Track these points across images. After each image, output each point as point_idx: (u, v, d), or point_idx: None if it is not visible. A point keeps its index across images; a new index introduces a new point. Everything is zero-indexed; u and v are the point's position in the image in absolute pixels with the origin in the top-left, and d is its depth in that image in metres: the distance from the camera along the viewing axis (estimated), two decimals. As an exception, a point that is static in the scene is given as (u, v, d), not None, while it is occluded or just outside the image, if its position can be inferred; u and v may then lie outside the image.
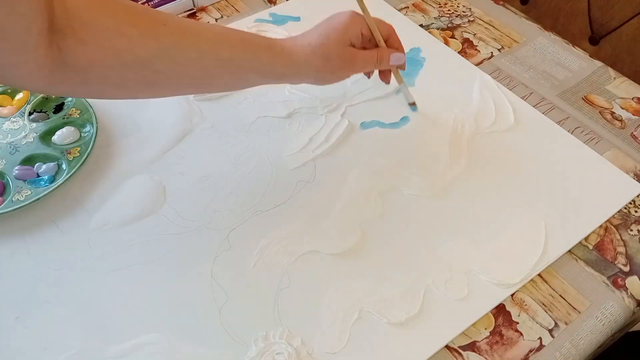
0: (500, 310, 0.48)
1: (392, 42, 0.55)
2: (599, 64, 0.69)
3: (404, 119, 0.62)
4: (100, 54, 0.42)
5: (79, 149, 0.57)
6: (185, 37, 0.45)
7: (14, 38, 0.37)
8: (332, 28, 0.51)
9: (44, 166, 0.56)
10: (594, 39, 0.90)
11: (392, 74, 0.59)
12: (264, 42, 0.49)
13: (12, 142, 0.58)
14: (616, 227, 0.54)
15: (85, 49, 0.41)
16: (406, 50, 0.69)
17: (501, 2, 0.79)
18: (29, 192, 0.53)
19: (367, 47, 0.54)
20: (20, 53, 0.38)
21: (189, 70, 0.46)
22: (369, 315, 0.46)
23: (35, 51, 0.39)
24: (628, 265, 0.51)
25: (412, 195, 0.55)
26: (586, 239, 0.52)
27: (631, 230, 0.53)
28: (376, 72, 0.59)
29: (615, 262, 0.51)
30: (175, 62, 0.45)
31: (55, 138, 0.58)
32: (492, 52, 0.71)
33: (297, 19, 0.74)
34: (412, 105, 0.62)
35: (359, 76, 0.66)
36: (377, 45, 0.55)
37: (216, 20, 0.76)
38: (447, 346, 0.45)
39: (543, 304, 0.48)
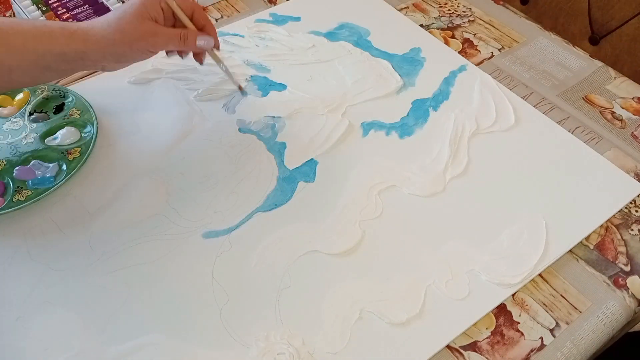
0: (501, 310, 0.48)
1: (197, 18, 0.54)
2: (599, 63, 0.69)
3: (405, 119, 0.62)
4: None
5: (79, 149, 0.57)
6: None
7: None
8: (130, 4, 0.50)
9: (45, 166, 0.56)
10: (594, 39, 0.90)
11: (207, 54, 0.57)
12: (58, 24, 0.48)
13: (13, 142, 0.58)
14: (617, 226, 0.54)
15: None
16: (406, 50, 0.70)
17: (501, 2, 0.79)
18: (30, 193, 0.53)
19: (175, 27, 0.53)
20: None
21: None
22: (370, 315, 0.46)
23: None
24: (629, 265, 0.51)
25: (413, 195, 0.55)
26: (587, 238, 0.52)
27: (632, 230, 0.53)
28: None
29: (616, 262, 0.51)
30: None
31: (55, 138, 0.58)
32: (492, 52, 0.71)
33: (298, 19, 0.74)
34: (240, 90, 0.60)
35: (359, 76, 0.66)
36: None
37: (216, 20, 0.76)
38: (448, 346, 0.45)
39: (544, 303, 0.48)
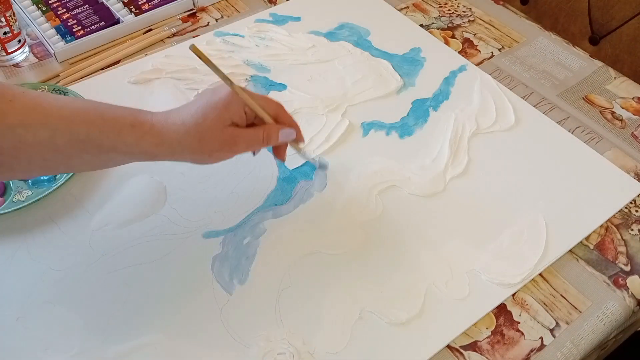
0: (501, 310, 0.48)
1: (281, 119, 0.49)
2: (599, 63, 0.70)
3: (405, 119, 0.62)
4: None
5: (79, 149, 0.57)
6: (34, 114, 0.40)
7: None
8: (210, 106, 0.44)
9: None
10: (594, 39, 0.90)
11: (286, 150, 0.52)
12: (129, 118, 0.43)
13: (13, 142, 0.58)
14: (617, 226, 0.54)
15: None
16: (406, 50, 0.70)
17: (501, 2, 0.79)
18: (30, 193, 0.53)
19: (255, 124, 0.48)
20: None
21: (39, 151, 0.41)
22: (370, 315, 0.46)
23: None
24: (629, 265, 0.51)
25: (413, 195, 0.55)
26: (587, 238, 0.52)
27: (632, 229, 0.53)
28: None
29: (616, 262, 0.51)
30: (23, 142, 0.40)
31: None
32: (492, 52, 0.71)
33: (298, 19, 0.74)
34: (321, 167, 0.57)
35: (359, 76, 0.66)
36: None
37: (216, 20, 0.76)
38: (448, 346, 0.45)
39: (544, 303, 0.48)
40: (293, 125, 0.49)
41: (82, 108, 0.42)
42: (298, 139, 0.50)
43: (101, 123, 0.42)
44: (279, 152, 0.51)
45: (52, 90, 0.63)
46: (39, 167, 0.43)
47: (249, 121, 0.47)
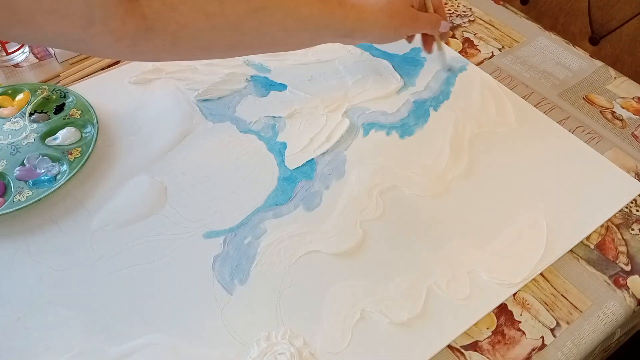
0: (502, 310, 0.48)
1: (440, 12, 0.62)
2: (599, 63, 0.70)
3: (405, 119, 0.62)
4: (191, 17, 0.43)
5: (80, 149, 0.57)
6: None
7: (74, 14, 0.38)
8: None
9: (51, 164, 0.56)
10: (594, 39, 0.90)
11: (434, 42, 0.65)
12: (336, 1, 0.52)
13: (13, 142, 0.58)
14: (617, 226, 0.54)
15: (174, 14, 0.43)
16: (407, 50, 0.70)
17: (501, 2, 0.79)
18: (30, 193, 0.53)
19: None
20: (86, 28, 0.39)
21: (272, 31, 0.49)
22: (371, 315, 0.46)
23: (106, 24, 0.40)
24: (629, 265, 0.51)
25: (414, 195, 0.55)
26: (587, 238, 0.52)
27: (632, 229, 0.53)
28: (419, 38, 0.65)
29: (617, 262, 0.51)
30: (262, 23, 0.48)
31: (56, 139, 0.58)
32: (492, 52, 0.71)
33: (298, 19, 0.74)
34: (450, 70, 0.67)
35: (360, 76, 0.66)
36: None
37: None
38: (449, 346, 0.45)
39: (545, 303, 0.48)
40: (445, 18, 0.62)
41: None
42: (447, 34, 0.66)
43: (319, 4, 0.51)
44: (428, 43, 0.65)
45: (52, 90, 0.63)
46: (266, 45, 0.52)
47: (420, 8, 0.60)
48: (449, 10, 0.77)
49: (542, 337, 0.46)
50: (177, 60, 0.55)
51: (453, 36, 0.73)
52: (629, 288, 0.49)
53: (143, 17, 0.41)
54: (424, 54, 0.68)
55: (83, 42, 0.41)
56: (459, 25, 0.75)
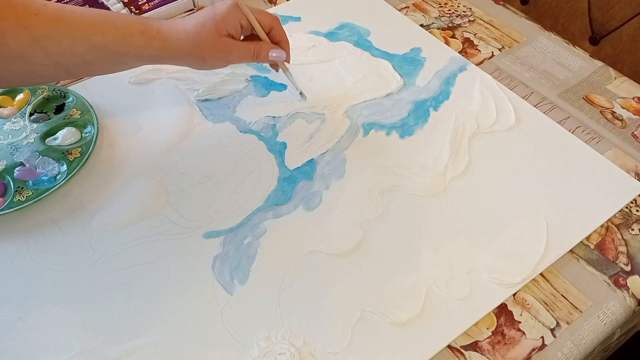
0: (502, 310, 0.48)
1: (274, 34, 0.55)
2: (599, 63, 0.70)
3: (405, 119, 0.62)
4: None
5: (79, 149, 0.57)
6: (57, 26, 0.46)
7: None
8: (209, 17, 0.51)
9: (51, 164, 0.56)
10: (594, 39, 0.90)
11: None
12: (137, 26, 0.49)
13: (13, 142, 0.58)
14: (617, 226, 0.54)
15: None
16: (407, 50, 0.70)
17: (501, 2, 0.79)
18: (30, 193, 0.53)
19: (252, 39, 0.55)
20: None
21: (63, 59, 0.47)
22: (370, 315, 0.46)
23: None
24: (629, 265, 0.51)
25: (414, 195, 0.55)
26: (587, 238, 0.52)
27: (632, 229, 0.53)
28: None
29: (617, 262, 0.51)
30: (49, 52, 0.46)
31: (56, 139, 0.58)
32: (492, 52, 0.71)
33: (298, 19, 0.74)
34: (301, 95, 0.62)
35: (360, 76, 0.66)
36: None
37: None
38: (449, 346, 0.45)
39: (545, 303, 0.48)
40: (285, 41, 0.56)
41: (98, 18, 0.48)
42: (287, 56, 0.56)
43: (115, 31, 0.48)
44: (273, 66, 0.60)
45: (52, 90, 0.63)
46: (64, 72, 0.49)
47: (245, 34, 0.54)
48: (449, 10, 0.77)
49: (542, 337, 0.46)
50: None
51: (453, 36, 0.73)
52: (629, 288, 0.49)
53: None
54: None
55: None
56: (459, 25, 0.75)
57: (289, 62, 0.58)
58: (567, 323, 0.47)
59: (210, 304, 0.47)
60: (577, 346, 0.46)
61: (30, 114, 0.61)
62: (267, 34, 0.55)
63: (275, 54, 0.55)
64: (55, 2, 0.53)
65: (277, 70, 0.61)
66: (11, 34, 0.44)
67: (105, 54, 0.49)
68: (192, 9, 0.77)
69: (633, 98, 0.65)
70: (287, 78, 0.61)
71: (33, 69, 0.46)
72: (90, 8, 0.50)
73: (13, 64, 0.45)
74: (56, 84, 0.65)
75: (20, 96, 0.62)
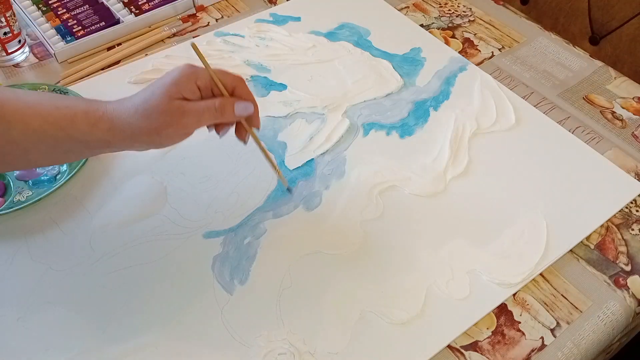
0: (502, 310, 0.48)
1: (239, 93, 0.46)
2: (599, 63, 0.70)
3: (405, 119, 0.62)
4: None
5: (79, 149, 0.57)
6: None
7: None
8: (158, 85, 0.43)
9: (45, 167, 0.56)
10: (594, 39, 0.90)
11: (251, 137, 0.50)
12: (82, 107, 0.43)
13: (13, 142, 0.58)
14: (617, 226, 0.54)
15: None
16: (407, 50, 0.70)
17: (501, 2, 0.79)
18: (30, 193, 0.53)
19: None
20: None
21: None
22: (370, 315, 0.46)
23: None
24: (629, 265, 0.51)
25: (414, 195, 0.55)
26: (587, 238, 0.52)
27: (632, 229, 0.53)
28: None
29: (617, 262, 0.51)
30: None
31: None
32: (492, 52, 0.71)
33: (298, 19, 0.74)
34: (289, 190, 0.55)
35: (360, 76, 0.66)
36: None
37: (216, 20, 0.76)
38: (449, 346, 0.45)
39: (545, 303, 0.48)
40: (251, 100, 0.47)
41: (37, 101, 0.43)
42: (255, 121, 0.48)
43: (55, 113, 0.42)
44: (239, 132, 0.49)
45: (52, 90, 0.63)
46: (5, 163, 0.44)
47: (206, 96, 0.45)
48: (449, 10, 0.77)
49: (542, 338, 0.46)
50: None
51: (453, 36, 0.73)
52: (629, 288, 0.49)
53: None
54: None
55: None
56: (459, 25, 0.75)
57: (258, 128, 0.49)
58: (567, 323, 0.47)
59: (210, 304, 0.47)
60: (577, 346, 0.46)
61: (30, 114, 0.61)
62: (231, 94, 0.46)
63: (241, 107, 0.46)
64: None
65: (244, 143, 0.49)
66: None
67: (43, 139, 0.42)
68: (192, 9, 0.77)
69: (633, 98, 0.65)
70: (261, 152, 0.51)
71: None
72: (33, 92, 0.44)
73: None
74: (56, 83, 0.65)
75: (20, 96, 0.62)
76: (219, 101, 0.45)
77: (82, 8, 0.76)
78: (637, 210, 0.55)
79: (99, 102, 0.44)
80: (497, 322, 0.47)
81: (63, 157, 0.47)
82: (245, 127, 0.48)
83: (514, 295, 0.48)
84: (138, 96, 0.44)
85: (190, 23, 0.75)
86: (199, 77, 0.44)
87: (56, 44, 0.70)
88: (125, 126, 0.43)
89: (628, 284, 0.50)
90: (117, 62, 0.70)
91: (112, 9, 0.75)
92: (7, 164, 0.45)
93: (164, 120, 0.43)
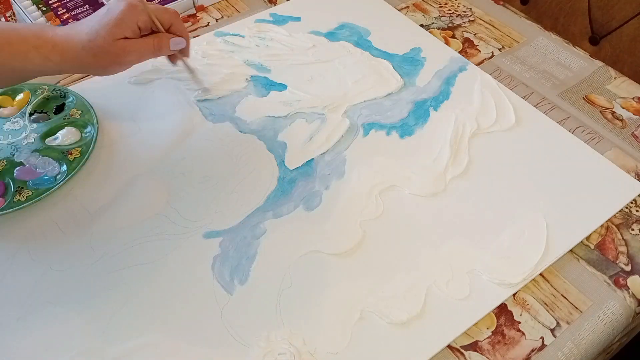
0: (502, 310, 0.48)
1: (175, 29, 0.54)
2: (599, 63, 0.70)
3: (405, 119, 0.62)
4: None
5: (79, 149, 0.57)
6: None
7: None
8: (103, 23, 0.49)
9: (51, 164, 0.56)
10: (594, 39, 0.90)
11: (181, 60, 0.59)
12: (33, 40, 0.48)
13: (13, 142, 0.58)
14: (617, 226, 0.54)
15: None
16: (407, 50, 0.70)
17: (501, 2, 0.79)
18: (30, 193, 0.53)
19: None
20: None
21: None
22: (370, 315, 0.46)
23: None
24: (629, 265, 0.51)
25: (414, 195, 0.55)
26: (587, 238, 0.52)
27: (632, 229, 0.53)
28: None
29: (617, 262, 0.51)
30: None
31: (56, 139, 0.58)
32: (492, 52, 0.71)
33: (298, 19, 0.74)
34: (204, 90, 0.62)
35: (360, 76, 0.66)
36: None
37: (216, 20, 0.76)
38: (449, 346, 0.45)
39: (545, 303, 0.48)
40: (185, 35, 0.55)
41: None
42: (186, 50, 0.56)
43: (8, 48, 0.47)
44: (172, 57, 0.57)
45: (52, 90, 0.63)
46: None
47: (145, 32, 0.52)
48: (449, 10, 0.77)
49: (542, 338, 0.46)
50: None
51: (453, 36, 0.73)
52: (629, 288, 0.49)
53: None
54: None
55: None
56: (459, 25, 0.75)
57: (187, 57, 0.58)
58: (567, 323, 0.47)
59: (210, 304, 0.47)
60: (577, 346, 0.46)
61: (30, 114, 0.61)
62: (167, 30, 0.54)
63: (175, 43, 0.54)
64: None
65: (174, 64, 0.59)
66: None
67: (3, 71, 0.48)
68: (192, 8, 0.77)
69: (633, 98, 0.65)
70: (188, 72, 0.61)
71: None
72: None
73: None
74: (56, 83, 0.65)
75: (20, 96, 0.62)
76: (157, 40, 0.52)
77: (82, 8, 0.76)
78: (637, 210, 0.55)
79: (47, 33, 0.49)
80: (497, 322, 0.47)
81: (21, 81, 0.53)
82: (178, 56, 0.57)
83: (514, 295, 0.48)
84: (84, 31, 0.49)
85: (190, 23, 0.75)
86: (140, 17, 0.51)
87: (56, 44, 0.70)
88: (75, 59, 0.49)
89: (628, 284, 0.50)
90: (117, 62, 0.69)
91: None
92: None
93: (109, 59, 0.50)
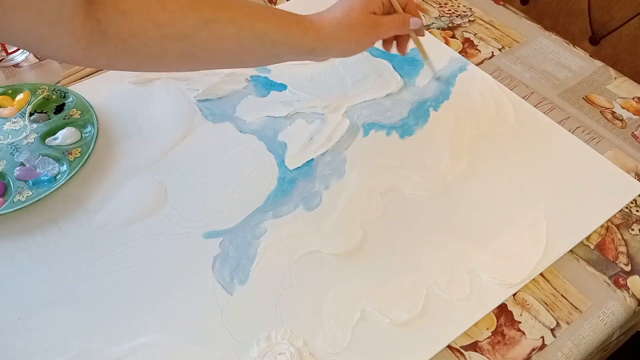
0: (502, 310, 0.48)
1: (409, 9, 0.58)
2: (599, 63, 0.70)
3: (405, 119, 0.62)
4: (142, 26, 0.43)
5: (80, 149, 0.57)
6: (224, 10, 0.46)
7: (49, 9, 0.38)
8: (355, 1, 0.53)
9: (51, 164, 0.56)
10: (594, 39, 0.90)
11: (409, 43, 0.61)
12: (294, 17, 0.51)
13: (13, 142, 0.58)
14: (617, 226, 0.54)
15: (125, 21, 0.42)
16: (406, 50, 0.70)
17: (501, 2, 0.79)
18: (30, 193, 0.53)
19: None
20: (55, 24, 0.39)
21: (225, 44, 0.48)
22: (370, 315, 0.46)
23: (70, 23, 0.39)
24: (629, 265, 0.51)
25: (414, 195, 0.55)
26: (587, 238, 0.52)
27: (632, 229, 0.53)
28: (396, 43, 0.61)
29: (617, 262, 0.51)
30: (214, 35, 0.46)
31: (56, 139, 0.58)
32: (492, 52, 0.71)
33: (298, 19, 0.74)
34: (438, 79, 0.66)
35: (360, 76, 0.66)
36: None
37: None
38: (449, 346, 0.45)
39: (545, 303, 0.48)
40: (418, 15, 0.58)
41: (258, 7, 0.49)
42: (421, 30, 0.59)
43: (275, 20, 0.49)
44: (401, 45, 0.60)
45: (52, 90, 0.63)
46: (219, 60, 0.50)
47: (385, 12, 0.56)
48: (449, 10, 0.77)
49: (542, 337, 0.46)
50: (129, 70, 0.52)
51: (453, 36, 0.73)
52: (629, 288, 0.49)
53: (98, 20, 0.41)
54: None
55: (46, 40, 0.40)
56: (459, 25, 0.75)
57: (423, 36, 0.60)
58: (567, 323, 0.47)
59: (210, 304, 0.47)
60: (577, 346, 0.46)
61: (30, 114, 0.61)
62: (403, 9, 0.57)
63: (414, 22, 0.57)
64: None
65: (403, 54, 0.61)
66: (182, 14, 0.44)
67: (264, 43, 0.49)
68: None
69: (633, 98, 0.65)
70: (422, 55, 0.62)
71: (193, 52, 0.46)
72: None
73: (175, 45, 0.45)
74: (56, 83, 0.65)
75: (20, 96, 0.62)
76: (402, 16, 0.56)
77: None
78: (637, 210, 0.55)
79: (304, 15, 0.52)
80: (497, 322, 0.47)
81: (270, 60, 0.53)
82: (412, 36, 0.59)
83: (514, 295, 0.48)
84: (337, 10, 0.52)
85: (190, 23, 0.75)
86: None
87: (56, 44, 0.70)
88: (330, 35, 0.51)
89: (628, 284, 0.50)
90: (117, 62, 0.69)
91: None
92: (225, 62, 0.51)
93: (364, 31, 0.53)
